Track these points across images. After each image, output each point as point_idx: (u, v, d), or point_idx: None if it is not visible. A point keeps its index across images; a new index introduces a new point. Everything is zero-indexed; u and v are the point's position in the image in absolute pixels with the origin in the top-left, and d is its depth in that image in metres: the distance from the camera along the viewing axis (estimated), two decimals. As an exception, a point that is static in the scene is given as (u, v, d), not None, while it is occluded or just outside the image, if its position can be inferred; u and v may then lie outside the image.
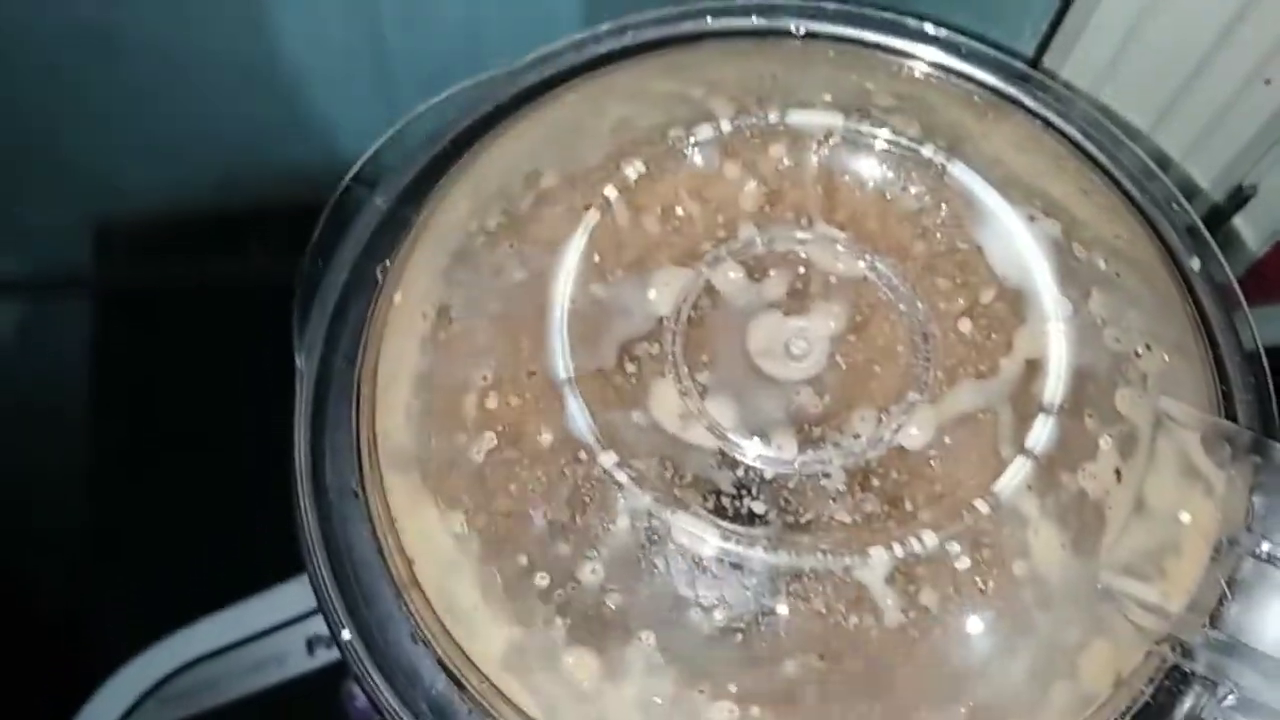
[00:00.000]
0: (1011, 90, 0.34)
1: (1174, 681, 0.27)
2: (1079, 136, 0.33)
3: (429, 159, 0.34)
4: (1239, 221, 0.47)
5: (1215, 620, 0.26)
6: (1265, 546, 0.27)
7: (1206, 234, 0.33)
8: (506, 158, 0.32)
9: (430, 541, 0.27)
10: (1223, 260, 0.33)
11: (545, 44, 0.35)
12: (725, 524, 0.26)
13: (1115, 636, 0.26)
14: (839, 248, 0.30)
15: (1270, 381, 0.31)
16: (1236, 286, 0.32)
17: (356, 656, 0.27)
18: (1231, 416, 0.30)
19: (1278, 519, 0.27)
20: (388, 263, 0.32)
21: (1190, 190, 0.46)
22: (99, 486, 0.64)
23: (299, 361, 0.31)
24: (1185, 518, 0.27)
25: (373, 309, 0.31)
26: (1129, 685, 0.27)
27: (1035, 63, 0.38)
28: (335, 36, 0.54)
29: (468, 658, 0.26)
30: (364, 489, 0.29)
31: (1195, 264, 0.32)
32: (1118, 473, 0.27)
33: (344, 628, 0.27)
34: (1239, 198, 0.46)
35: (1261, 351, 0.32)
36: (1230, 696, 0.26)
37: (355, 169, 0.34)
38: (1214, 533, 0.27)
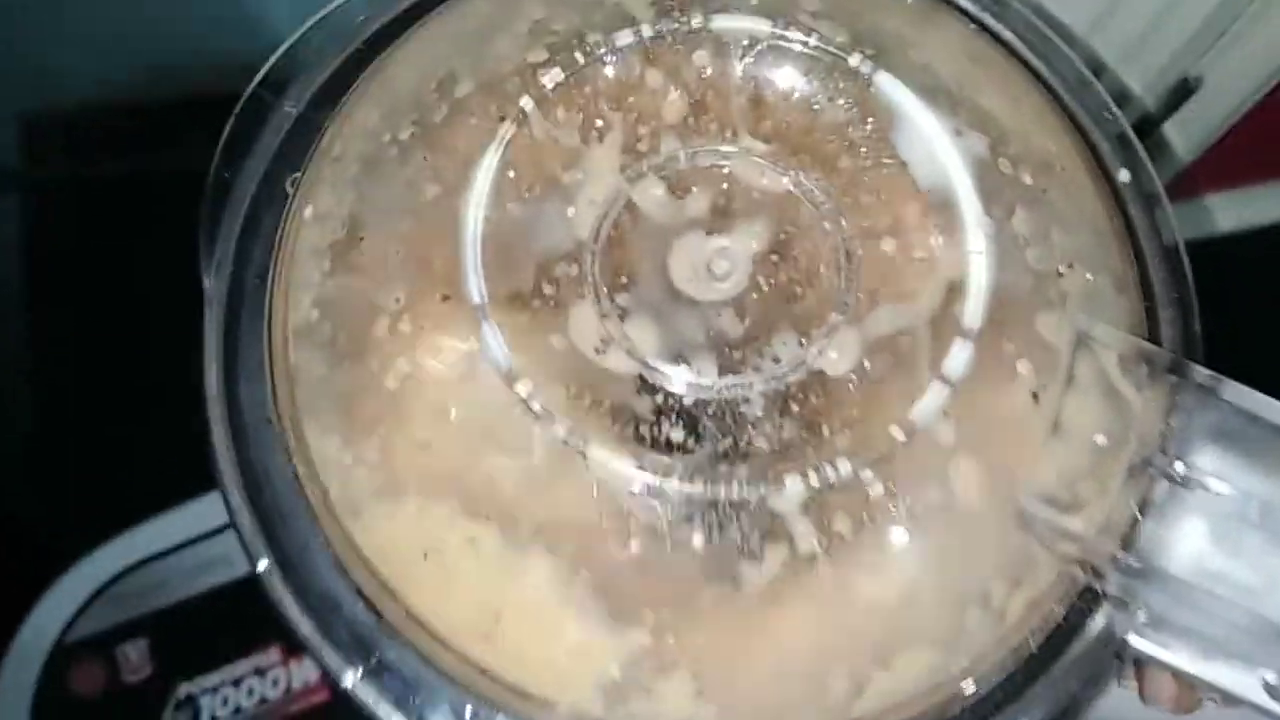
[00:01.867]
0: (946, -10, 0.32)
1: (1086, 601, 0.28)
2: (1014, 40, 0.32)
3: (340, 61, 0.32)
4: (1175, 122, 0.46)
5: (1128, 543, 0.26)
6: (1179, 468, 0.27)
7: (1136, 142, 0.32)
8: (419, 60, 0.30)
9: (346, 471, 0.27)
10: (1151, 170, 0.32)
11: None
12: (642, 453, 0.25)
13: (1029, 560, 0.27)
14: (763, 162, 0.29)
15: (1194, 294, 0.31)
16: (1164, 196, 0.32)
17: (274, 586, 0.27)
18: (1155, 334, 0.30)
19: (1191, 440, 0.27)
20: (299, 174, 0.31)
21: (1123, 98, 0.45)
22: (39, 385, 0.63)
23: (206, 282, 0.30)
24: (1101, 440, 0.27)
25: (284, 224, 0.30)
26: (1040, 605, 0.27)
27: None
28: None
29: (386, 586, 0.26)
30: (278, 416, 0.28)
31: (1125, 176, 0.31)
32: (1035, 396, 0.27)
33: (261, 559, 0.27)
34: (1183, 91, 0.46)
35: (1185, 262, 0.31)
36: (1142, 614, 0.27)
37: (262, 73, 0.32)
38: (1129, 455, 0.27)
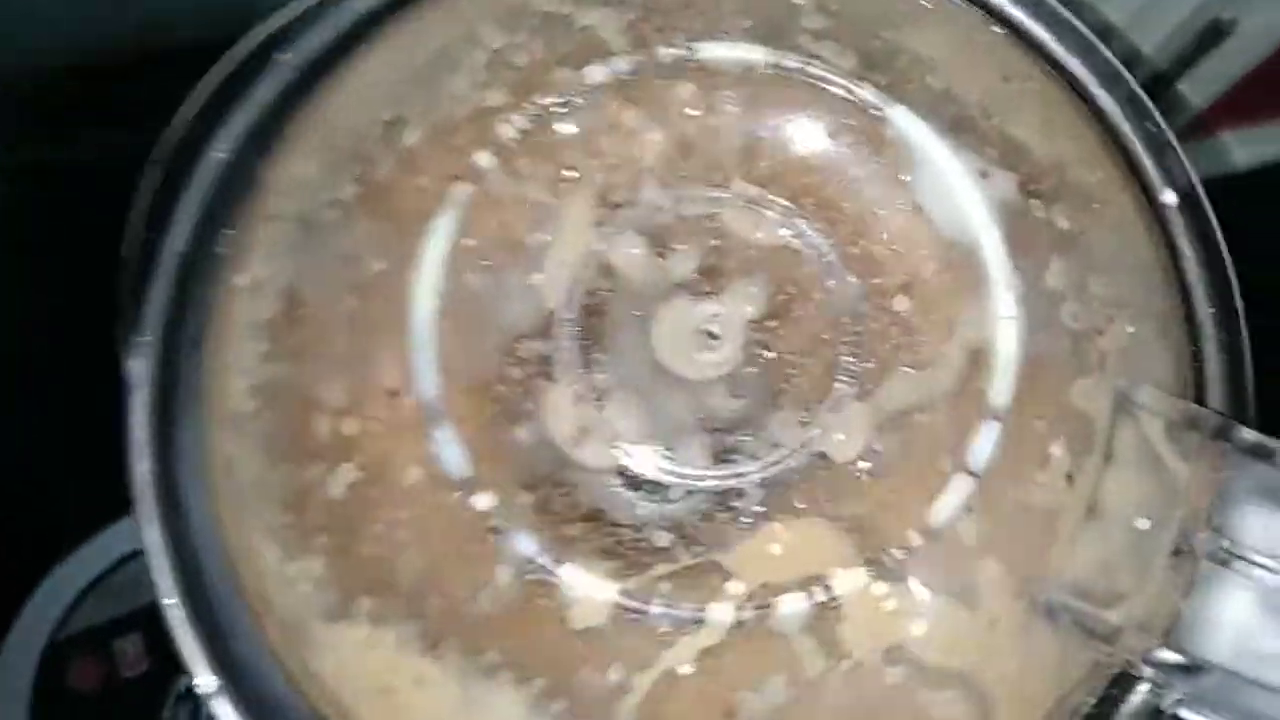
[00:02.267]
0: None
1: (1120, 687, 0.25)
2: (1047, 40, 0.28)
3: (276, 95, 0.28)
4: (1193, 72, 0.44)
5: (1168, 636, 0.24)
6: (1225, 545, 0.24)
7: (1180, 153, 0.28)
8: (364, 97, 0.26)
9: (289, 586, 0.24)
10: (1195, 180, 0.28)
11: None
12: (623, 570, 0.22)
13: (1058, 657, 0.24)
14: (759, 211, 0.25)
15: (1243, 328, 0.27)
16: (1211, 215, 0.28)
17: (221, 707, 0.24)
18: (1201, 383, 0.26)
19: (1237, 510, 0.24)
20: (231, 231, 0.27)
21: (1133, 59, 0.42)
22: (29, 372, 0.60)
23: (127, 367, 0.26)
24: (1143, 524, 0.24)
25: (214, 294, 0.27)
26: (1070, 698, 0.24)
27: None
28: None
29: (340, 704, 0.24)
30: (218, 517, 0.25)
31: (1170, 198, 0.28)
32: (1069, 479, 0.24)
33: (203, 676, 0.24)
34: (1213, 36, 0.43)
35: (1235, 288, 0.28)
36: (1182, 700, 0.24)
37: (187, 109, 0.28)
38: (1173, 537, 0.24)
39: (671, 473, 0.24)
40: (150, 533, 0.25)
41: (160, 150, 0.28)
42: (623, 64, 0.25)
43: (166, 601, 0.25)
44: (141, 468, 0.25)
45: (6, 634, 0.51)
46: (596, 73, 0.25)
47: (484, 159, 0.24)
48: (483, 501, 0.22)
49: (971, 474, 0.23)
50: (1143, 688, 0.25)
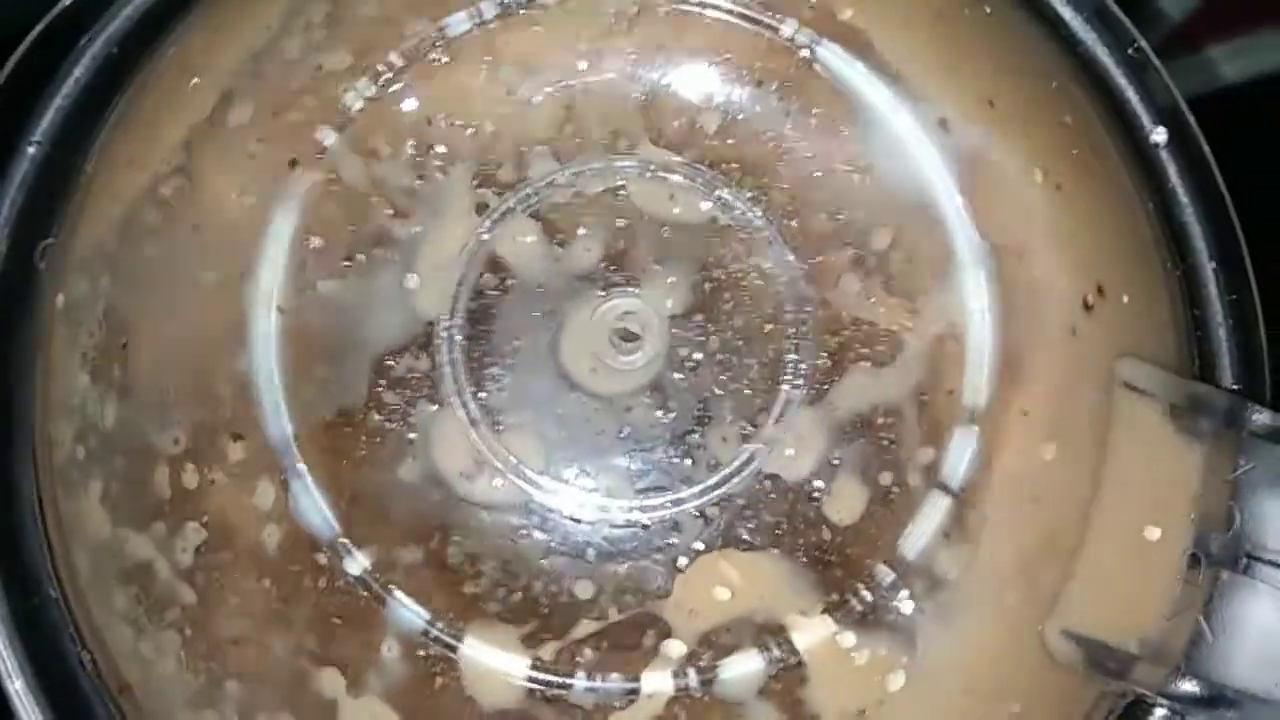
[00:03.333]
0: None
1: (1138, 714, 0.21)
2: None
3: (90, 75, 0.23)
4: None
5: (1185, 661, 0.20)
6: (1244, 547, 0.20)
7: (1170, 83, 0.24)
8: (183, 74, 0.22)
9: (147, 667, 0.20)
10: (1190, 118, 0.24)
11: None
12: (536, 639, 0.18)
13: (1065, 693, 0.20)
14: (673, 179, 0.21)
15: (1254, 288, 0.24)
16: (1208, 154, 0.24)
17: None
18: (1208, 354, 0.23)
19: (1255, 508, 0.20)
20: (50, 241, 0.23)
21: None
22: None
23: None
24: (1153, 534, 0.20)
25: (37, 319, 0.22)
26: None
27: None
28: None
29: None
30: (61, 588, 0.21)
31: (1160, 135, 0.24)
32: (1065, 484, 0.20)
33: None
34: None
35: (1243, 243, 0.24)
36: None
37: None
38: (1187, 543, 0.20)
39: (590, 506, 0.19)
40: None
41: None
42: (490, 8, 0.20)
43: (9, 685, 0.21)
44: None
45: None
46: (459, 21, 0.20)
47: (327, 136, 0.20)
48: (356, 563, 0.18)
49: (949, 491, 0.19)
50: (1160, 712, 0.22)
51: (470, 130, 0.20)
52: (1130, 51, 0.24)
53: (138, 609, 0.20)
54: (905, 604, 0.19)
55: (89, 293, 0.21)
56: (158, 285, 0.20)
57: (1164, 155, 0.24)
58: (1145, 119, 0.24)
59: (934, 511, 0.19)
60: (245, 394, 0.19)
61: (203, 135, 0.20)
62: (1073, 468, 0.20)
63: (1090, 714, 0.21)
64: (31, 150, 0.23)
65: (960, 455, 0.19)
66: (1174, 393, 0.21)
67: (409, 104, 0.20)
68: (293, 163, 0.20)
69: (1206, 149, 0.24)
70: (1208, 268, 0.23)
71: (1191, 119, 0.24)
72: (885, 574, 0.19)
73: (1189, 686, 0.20)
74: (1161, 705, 0.21)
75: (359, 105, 0.20)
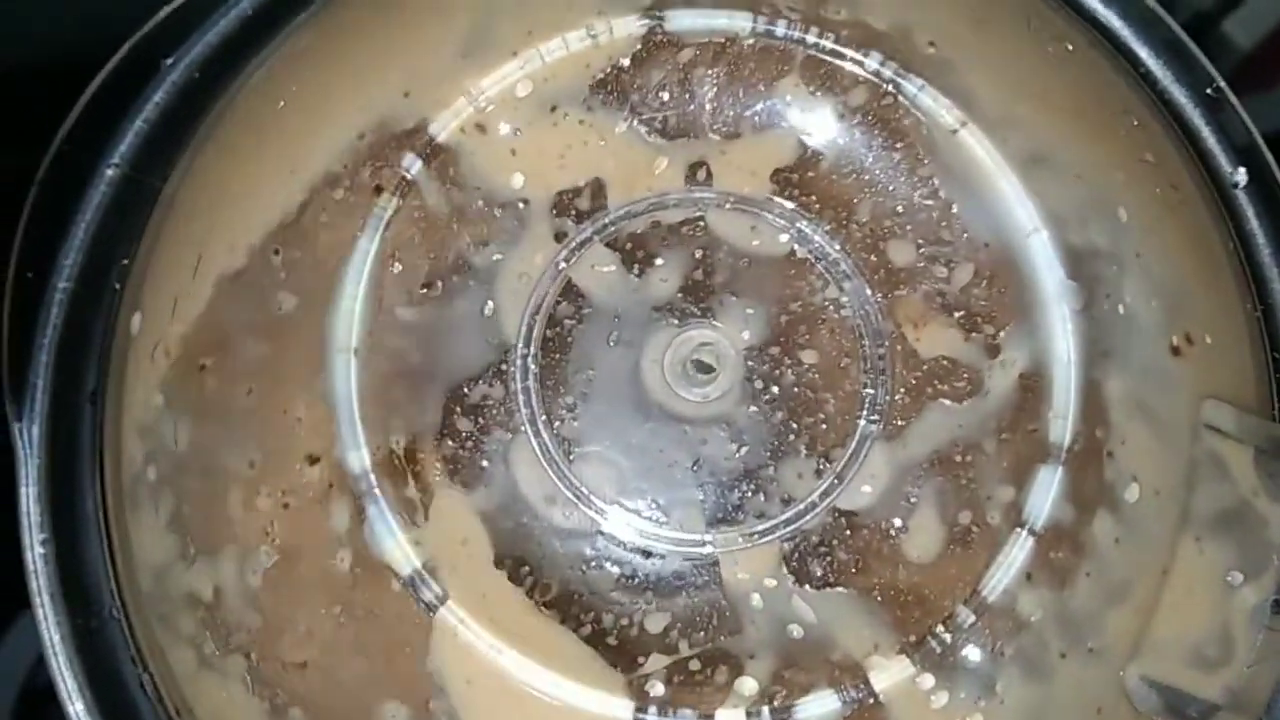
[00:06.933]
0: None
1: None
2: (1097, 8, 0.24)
3: (174, 96, 0.24)
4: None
5: (1271, 711, 0.19)
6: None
7: (1250, 124, 0.24)
8: (266, 98, 0.22)
9: (210, 694, 0.20)
10: (1270, 159, 0.24)
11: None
12: (612, 675, 0.18)
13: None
14: (752, 213, 0.21)
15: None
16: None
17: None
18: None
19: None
20: (126, 262, 0.23)
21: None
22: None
23: (15, 432, 0.22)
24: (1234, 579, 0.19)
25: (110, 335, 0.22)
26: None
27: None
28: None
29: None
30: (124, 608, 0.21)
31: (1241, 177, 0.23)
32: (1148, 527, 0.19)
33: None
34: None
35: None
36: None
37: (70, 122, 0.24)
38: (1270, 590, 0.20)
39: (661, 538, 0.19)
40: (48, 627, 0.21)
41: (46, 167, 0.23)
42: (575, 41, 0.20)
43: (70, 707, 0.21)
44: (34, 545, 0.21)
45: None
46: (551, 48, 0.20)
47: (412, 164, 0.20)
48: (429, 590, 0.18)
49: (1031, 531, 0.19)
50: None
51: (550, 160, 0.21)
52: (1209, 91, 0.24)
53: (203, 632, 0.20)
54: (985, 646, 0.18)
55: (165, 314, 0.21)
56: (239, 309, 0.20)
57: (1243, 196, 0.23)
58: (1224, 159, 0.23)
59: (1016, 552, 0.19)
60: (322, 418, 0.19)
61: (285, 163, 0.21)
62: (1156, 510, 0.19)
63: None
64: (110, 172, 0.23)
65: (1043, 495, 0.19)
66: (1258, 436, 0.20)
67: (492, 133, 0.20)
68: (377, 189, 0.20)
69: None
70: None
71: (1270, 159, 0.24)
72: (965, 615, 0.18)
73: (1274, 736, 0.19)
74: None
75: (443, 135, 0.20)
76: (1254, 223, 0.23)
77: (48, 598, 0.21)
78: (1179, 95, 0.24)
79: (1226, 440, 0.20)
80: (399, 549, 0.18)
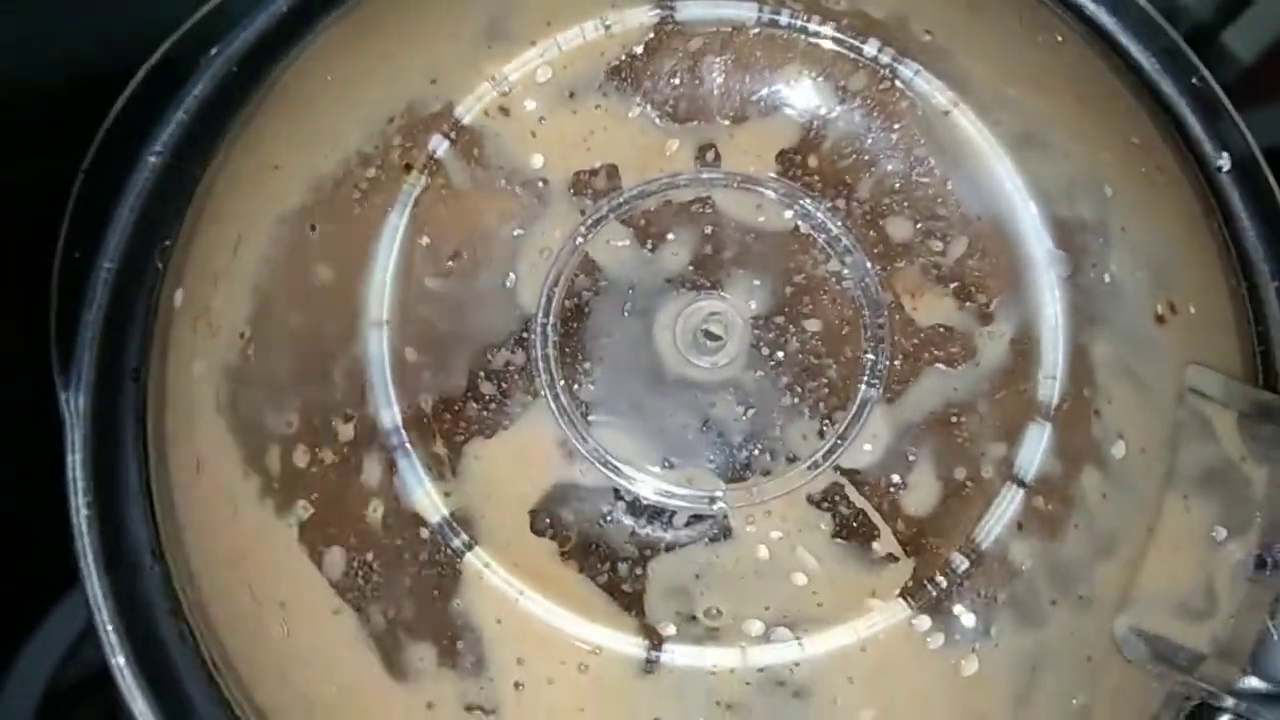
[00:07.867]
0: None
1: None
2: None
3: (213, 89, 0.25)
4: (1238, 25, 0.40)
5: (1252, 661, 0.20)
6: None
7: (1234, 113, 0.25)
8: (304, 86, 0.24)
9: (248, 639, 0.21)
10: (1254, 145, 0.25)
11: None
12: (627, 620, 0.19)
13: (1131, 689, 0.21)
14: (758, 191, 0.22)
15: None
16: (1270, 178, 0.25)
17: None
18: (1272, 368, 0.23)
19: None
20: (168, 243, 0.24)
21: (1172, 11, 0.39)
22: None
23: (63, 401, 0.23)
24: (1219, 534, 0.20)
25: (152, 312, 0.24)
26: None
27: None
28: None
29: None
30: (163, 557, 0.22)
31: (1224, 161, 0.24)
32: (1135, 482, 0.20)
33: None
34: None
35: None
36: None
37: (114, 113, 0.25)
38: (1254, 545, 0.21)
39: (673, 495, 0.20)
40: (92, 584, 0.22)
41: (92, 156, 0.25)
42: (591, 30, 0.22)
43: (115, 661, 0.22)
44: (80, 506, 0.23)
45: (5, 677, 0.48)
46: (570, 38, 0.22)
47: (438, 145, 0.21)
48: (458, 540, 0.19)
49: (1022, 484, 0.20)
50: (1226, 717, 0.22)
51: (569, 142, 0.22)
52: (1194, 81, 0.25)
53: (239, 582, 0.21)
54: (979, 591, 0.19)
55: (210, 289, 0.22)
56: (276, 279, 0.21)
57: (1228, 179, 0.25)
58: (1209, 146, 0.25)
59: (1007, 503, 0.20)
60: (355, 381, 0.20)
61: (319, 145, 0.22)
62: (1143, 467, 0.20)
63: (1159, 714, 0.22)
64: (153, 159, 0.25)
65: (1033, 450, 0.20)
66: (1242, 400, 0.21)
67: (515, 116, 0.22)
68: (407, 167, 0.21)
69: (1266, 170, 0.24)
70: (1270, 287, 0.24)
71: (1255, 147, 0.25)
72: (960, 561, 0.19)
73: (1258, 685, 0.20)
74: (1227, 707, 0.21)
75: (469, 117, 0.21)
76: (1238, 204, 0.24)
77: (92, 556, 0.23)
78: (1166, 87, 0.25)
79: (1210, 403, 0.21)
80: (428, 498, 0.20)
